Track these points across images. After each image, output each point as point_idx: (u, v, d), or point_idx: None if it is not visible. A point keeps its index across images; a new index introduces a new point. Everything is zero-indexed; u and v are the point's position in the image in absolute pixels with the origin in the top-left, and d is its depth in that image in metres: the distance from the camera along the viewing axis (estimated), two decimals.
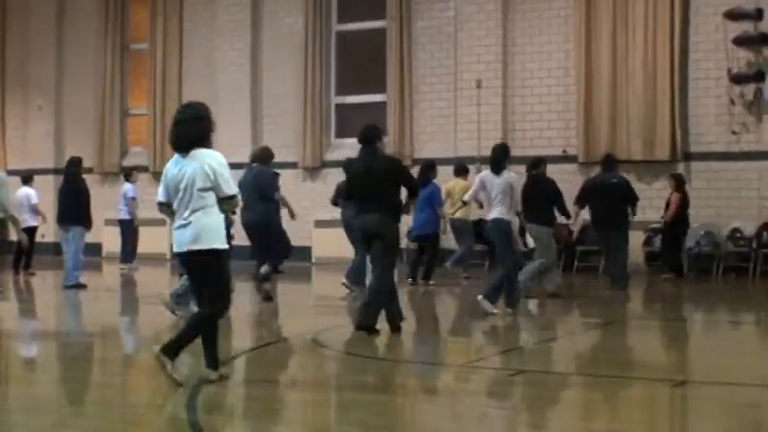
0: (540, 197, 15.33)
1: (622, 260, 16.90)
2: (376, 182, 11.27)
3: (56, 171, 26.22)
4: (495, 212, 13.26)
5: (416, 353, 11.20)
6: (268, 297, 14.79)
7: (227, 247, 8.42)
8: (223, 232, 8.36)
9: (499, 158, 13.46)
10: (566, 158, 21.42)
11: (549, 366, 10.08)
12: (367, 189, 11.37)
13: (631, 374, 9.45)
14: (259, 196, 14.70)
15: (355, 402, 8.12)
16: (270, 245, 15.01)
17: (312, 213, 23.10)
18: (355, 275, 16.30)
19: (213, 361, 8.42)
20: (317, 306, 14.96)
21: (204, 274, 8.37)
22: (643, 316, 15.00)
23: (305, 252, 23.34)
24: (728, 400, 8.11)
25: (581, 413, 7.92)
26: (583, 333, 12.79)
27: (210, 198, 8.26)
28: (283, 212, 15.56)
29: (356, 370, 9.81)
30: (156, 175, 26.08)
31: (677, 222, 19.37)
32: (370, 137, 11.56)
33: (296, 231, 23.72)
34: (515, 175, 13.47)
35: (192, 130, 8.37)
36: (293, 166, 24.33)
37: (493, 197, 13.28)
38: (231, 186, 8.32)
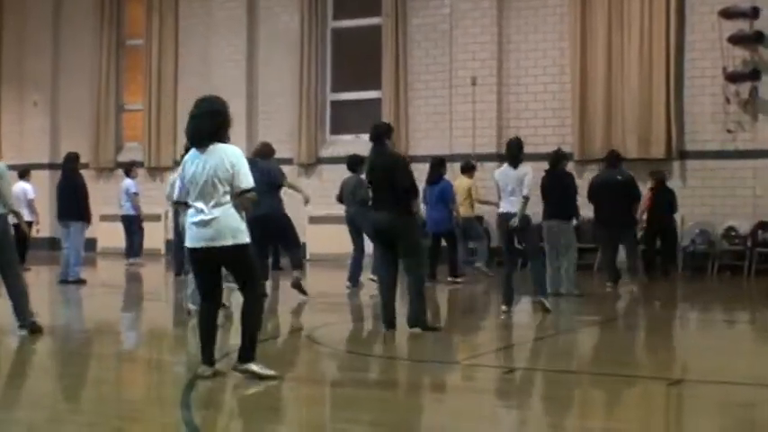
0: (561, 192, 15.40)
1: (635, 255, 17.07)
2: (380, 180, 11.35)
3: (51, 166, 26.27)
4: (509, 206, 13.30)
5: (411, 350, 11.20)
6: (303, 291, 14.93)
7: (248, 240, 8.43)
8: (244, 226, 8.38)
9: (515, 153, 13.48)
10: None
11: (544, 364, 10.08)
12: (375, 186, 11.47)
13: (627, 372, 9.45)
14: (266, 190, 14.65)
15: (350, 399, 8.12)
16: (280, 238, 15.11)
17: (307, 209, 23.08)
18: (354, 271, 16.37)
19: (251, 352, 8.44)
20: (311, 303, 14.92)
21: (237, 268, 8.48)
22: (638, 314, 15.00)
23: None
24: (724, 398, 8.11)
25: (576, 411, 7.93)
26: (578, 331, 12.79)
27: (230, 194, 8.28)
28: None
29: (351, 367, 9.81)
30: (152, 171, 26.18)
31: (650, 223, 19.18)
32: (378, 134, 11.66)
33: None
34: (530, 169, 13.42)
35: (208, 124, 8.37)
36: (288, 162, 24.28)
37: (509, 190, 13.30)
38: (249, 180, 8.33)
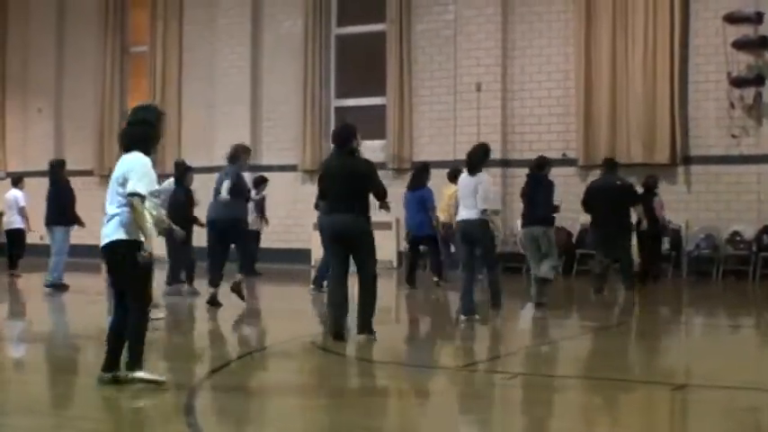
0: (542, 197, 15.19)
1: (629, 261, 16.91)
2: (346, 183, 11.18)
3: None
4: (465, 213, 13.13)
5: (415, 356, 11.19)
6: (241, 296, 14.55)
7: (140, 239, 8.26)
8: (131, 228, 8.25)
9: (479, 160, 13.28)
10: (565, 162, 21.42)
11: (547, 370, 10.06)
12: (338, 190, 11.29)
13: (631, 378, 9.43)
14: (231, 195, 14.52)
15: (355, 406, 8.11)
16: (235, 244, 14.69)
17: (311, 216, 23.06)
18: (319, 278, 16.18)
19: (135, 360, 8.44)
20: (316, 309, 14.91)
21: (113, 270, 8.45)
22: (642, 319, 14.97)
23: (304, 255, 23.36)
24: (728, 403, 8.09)
25: (581, 416, 7.90)
26: (582, 336, 12.76)
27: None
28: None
29: (356, 373, 9.80)
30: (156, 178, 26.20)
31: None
32: (347, 137, 11.40)
33: (295, 234, 23.91)
34: (485, 176, 13.18)
35: (136, 132, 8.50)
36: (293, 168, 24.38)
37: (464, 198, 13.18)
38: (138, 185, 8.20)
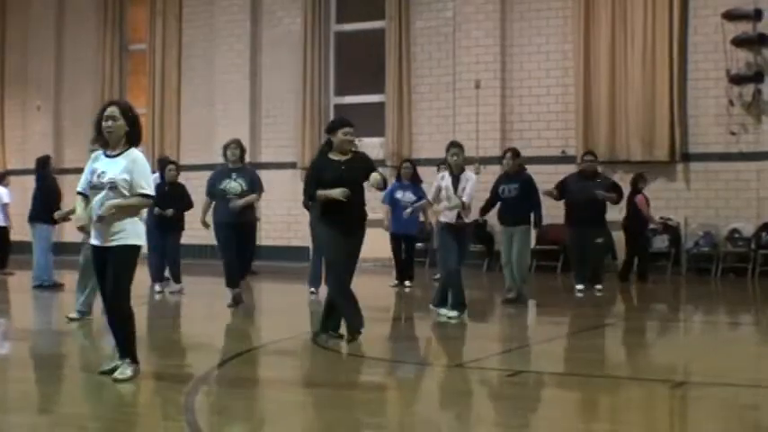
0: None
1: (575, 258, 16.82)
2: None
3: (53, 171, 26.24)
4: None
5: (414, 353, 11.19)
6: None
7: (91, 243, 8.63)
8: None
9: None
10: (564, 159, 21.43)
11: (547, 367, 10.05)
12: None
13: (630, 375, 9.43)
14: None
15: (353, 403, 8.11)
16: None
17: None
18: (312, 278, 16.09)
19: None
20: (314, 305, 14.90)
21: None
22: (641, 317, 14.97)
23: (304, 252, 23.36)
24: (727, 401, 8.09)
25: (580, 414, 7.91)
26: (581, 334, 12.75)
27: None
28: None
29: (354, 370, 9.79)
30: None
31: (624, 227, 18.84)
32: (326, 127, 11.40)
33: (294, 231, 23.91)
34: (439, 176, 13.15)
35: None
36: (292, 166, 24.38)
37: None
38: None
